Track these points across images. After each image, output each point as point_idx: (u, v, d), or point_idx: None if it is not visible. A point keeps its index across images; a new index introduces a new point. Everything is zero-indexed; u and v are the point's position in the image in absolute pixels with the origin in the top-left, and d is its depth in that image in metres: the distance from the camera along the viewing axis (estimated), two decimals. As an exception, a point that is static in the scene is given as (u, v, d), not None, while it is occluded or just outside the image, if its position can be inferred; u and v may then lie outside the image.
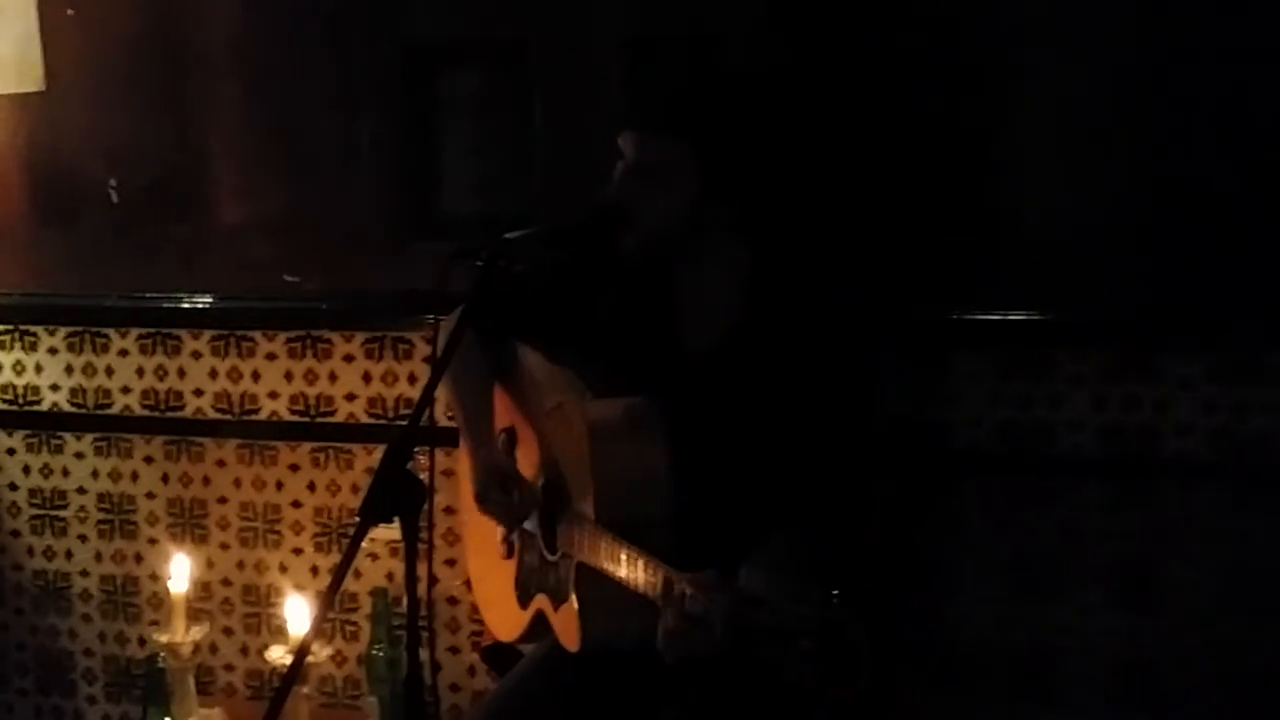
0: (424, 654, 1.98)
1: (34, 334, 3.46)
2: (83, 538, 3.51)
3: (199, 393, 3.38)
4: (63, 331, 3.45)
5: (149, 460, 3.44)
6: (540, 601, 2.49)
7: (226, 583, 3.42)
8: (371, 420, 3.27)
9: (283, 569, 3.38)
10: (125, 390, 3.42)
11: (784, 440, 2.32)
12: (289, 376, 3.31)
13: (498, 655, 2.73)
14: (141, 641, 3.47)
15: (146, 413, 3.41)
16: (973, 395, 2.89)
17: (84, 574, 3.52)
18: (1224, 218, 2.74)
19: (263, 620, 3.41)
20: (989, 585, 2.93)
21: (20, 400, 3.49)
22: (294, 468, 3.34)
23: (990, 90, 2.83)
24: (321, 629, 3.30)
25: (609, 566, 2.22)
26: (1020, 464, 2.89)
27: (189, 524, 3.42)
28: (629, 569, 2.16)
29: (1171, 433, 2.81)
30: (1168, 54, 2.74)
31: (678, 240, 2.38)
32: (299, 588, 3.30)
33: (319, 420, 3.31)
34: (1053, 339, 2.85)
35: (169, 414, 3.40)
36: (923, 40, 2.84)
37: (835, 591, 1.76)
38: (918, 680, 2.94)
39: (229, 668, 3.46)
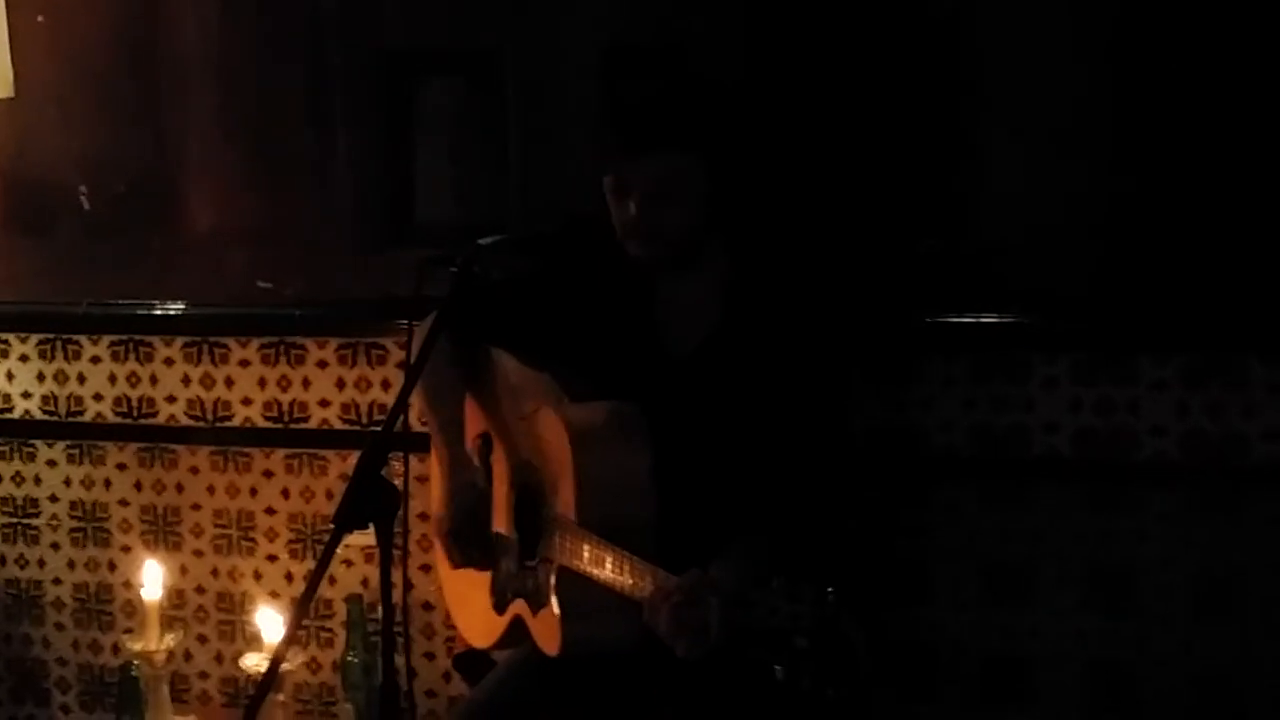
0: (399, 660, 1.99)
1: (5, 341, 3.44)
2: (55, 545, 3.49)
3: (172, 399, 3.36)
4: (34, 339, 3.43)
5: (122, 467, 3.42)
6: (518, 607, 2.49)
7: (200, 590, 3.41)
8: (345, 426, 3.26)
9: (257, 576, 3.37)
10: (97, 397, 3.41)
11: (763, 443, 2.33)
12: (262, 383, 3.30)
13: (471, 662, 2.72)
14: (115, 649, 3.45)
15: (119, 420, 3.40)
16: (946, 399, 2.90)
17: (57, 582, 3.50)
18: (1195, 220, 2.76)
19: (237, 627, 3.40)
20: (963, 589, 2.94)
21: (-9, 408, 3.48)
22: (268, 474, 3.33)
23: (962, 97, 2.85)
24: (296, 636, 3.29)
25: (593, 570, 2.22)
26: (994, 467, 2.90)
27: (162, 531, 3.41)
28: (615, 572, 2.16)
29: (1145, 435, 2.83)
30: (1137, 60, 2.76)
31: (695, 245, 2.39)
32: (273, 595, 3.29)
33: (293, 426, 3.30)
34: (1026, 342, 2.86)
35: (142, 421, 3.39)
36: (894, 52, 2.85)
37: (830, 589, 1.77)
38: (893, 685, 2.94)
39: (203, 675, 3.44)
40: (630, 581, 2.12)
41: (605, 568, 2.18)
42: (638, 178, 2.35)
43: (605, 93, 2.99)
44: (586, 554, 2.23)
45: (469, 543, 2.55)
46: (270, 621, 3.13)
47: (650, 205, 2.34)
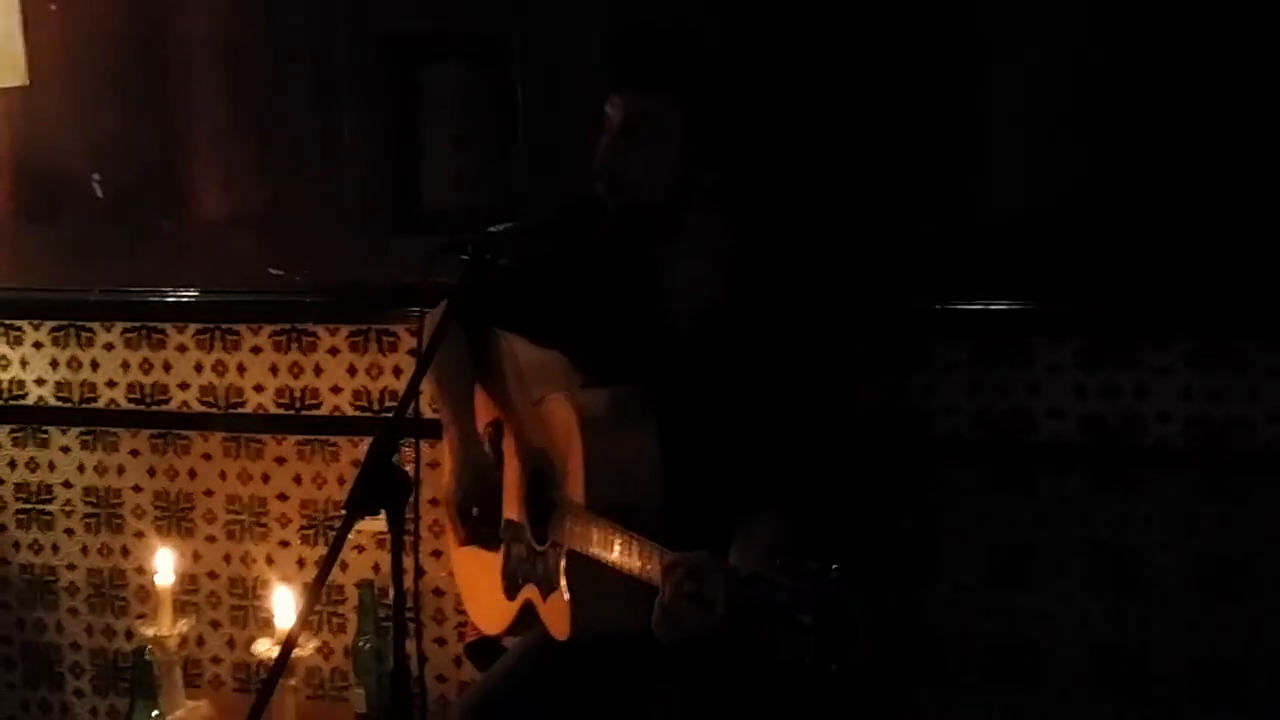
0: (410, 645, 2.00)
1: (19, 328, 3.46)
2: (69, 531, 3.51)
3: (184, 386, 3.38)
4: (47, 326, 3.45)
5: (135, 454, 3.44)
6: (529, 592, 2.50)
7: (213, 576, 3.43)
8: (357, 413, 3.28)
9: (269, 562, 3.39)
10: (110, 384, 3.43)
11: (768, 422, 2.34)
12: (274, 370, 3.32)
13: (482, 652, 2.73)
14: (128, 635, 3.47)
15: (132, 406, 3.42)
16: (951, 384, 2.90)
17: (71, 567, 3.53)
18: (1199, 205, 2.76)
19: (249, 613, 3.42)
20: (968, 573, 2.95)
21: (5, 394, 3.50)
22: (280, 460, 3.35)
23: (966, 80, 2.85)
24: (308, 621, 3.31)
25: (602, 553, 2.23)
26: (999, 452, 2.90)
27: (175, 517, 3.43)
28: (623, 554, 2.18)
29: (1150, 419, 2.84)
30: (1141, 46, 2.76)
31: (663, 208, 2.40)
32: (285, 580, 3.31)
33: (304, 413, 3.31)
34: (1031, 327, 2.87)
35: (154, 408, 3.41)
36: (898, 36, 2.86)
37: (835, 565, 1.79)
38: (898, 668, 2.96)
39: (216, 660, 3.47)
40: (638, 563, 2.14)
41: (613, 551, 2.20)
42: (613, 115, 2.40)
43: (610, 42, 3.01)
44: (595, 538, 2.25)
45: (475, 519, 2.57)
46: (285, 601, 3.15)
47: (617, 143, 2.38)
